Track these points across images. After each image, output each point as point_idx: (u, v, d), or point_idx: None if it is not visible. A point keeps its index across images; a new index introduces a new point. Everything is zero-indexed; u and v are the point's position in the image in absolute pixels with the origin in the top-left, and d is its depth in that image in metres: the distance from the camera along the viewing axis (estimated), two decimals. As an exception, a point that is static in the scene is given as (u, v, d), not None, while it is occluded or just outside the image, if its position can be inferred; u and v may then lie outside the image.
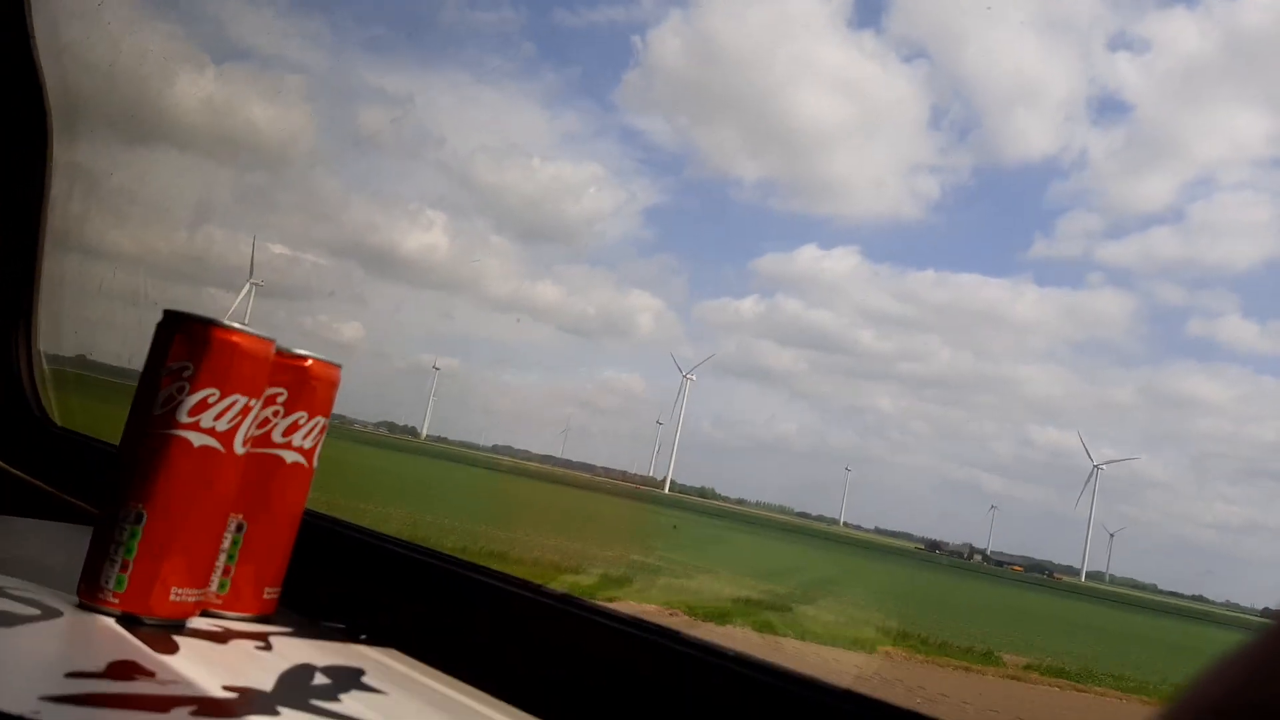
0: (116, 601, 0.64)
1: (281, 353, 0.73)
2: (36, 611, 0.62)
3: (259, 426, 0.73)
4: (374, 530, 0.89)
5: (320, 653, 0.68)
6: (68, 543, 0.67)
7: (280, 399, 0.74)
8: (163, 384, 0.67)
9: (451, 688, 0.67)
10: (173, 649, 0.61)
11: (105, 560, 0.65)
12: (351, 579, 0.84)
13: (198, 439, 0.66)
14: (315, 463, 0.77)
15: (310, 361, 0.76)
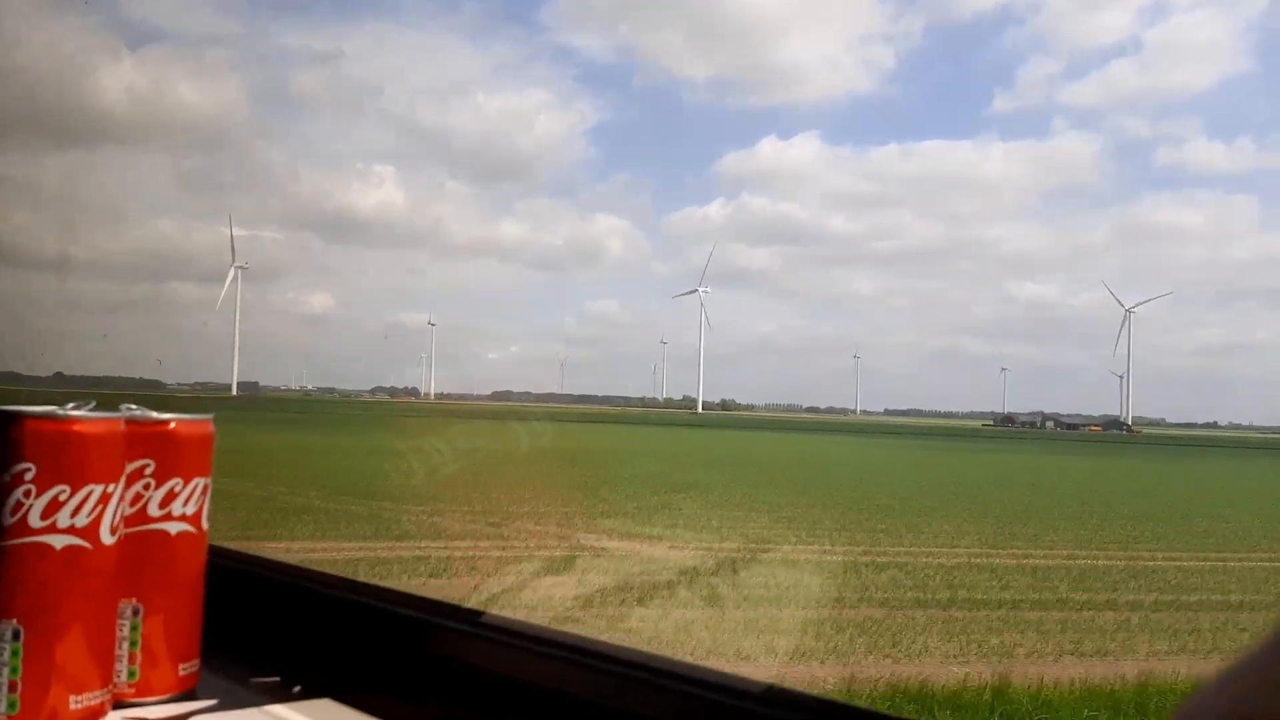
0: None
1: (137, 421, 0.68)
2: None
3: (131, 504, 0.68)
4: (296, 567, 0.86)
5: None
6: None
7: (148, 470, 0.69)
8: (9, 489, 0.62)
9: None
10: None
11: (-9, 683, 0.62)
12: (280, 624, 0.82)
13: (59, 540, 0.62)
14: (205, 524, 0.72)
15: (174, 424, 0.71)
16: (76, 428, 0.63)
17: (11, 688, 0.61)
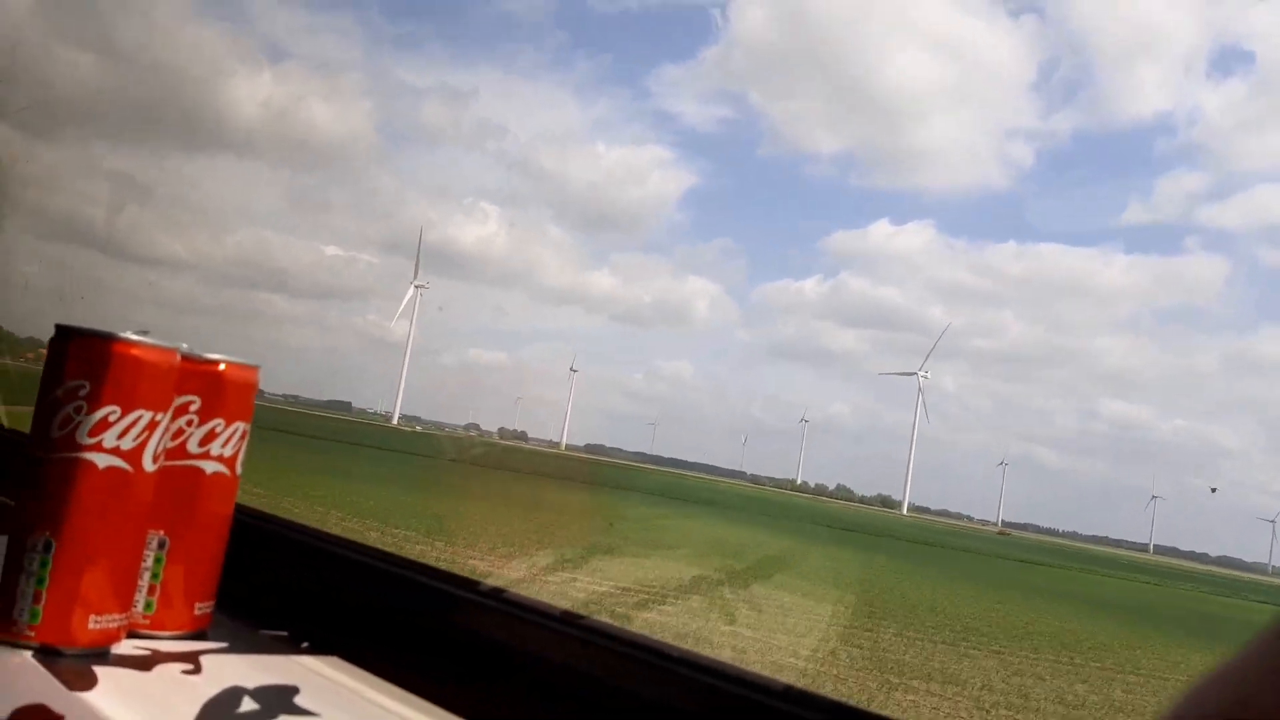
0: (32, 635, 0.62)
1: (189, 358, 0.69)
2: None
3: (173, 438, 0.69)
4: (316, 529, 0.87)
5: (254, 671, 0.65)
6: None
7: (193, 407, 0.70)
8: (60, 404, 0.63)
9: (391, 698, 0.64)
10: (90, 684, 0.59)
11: (17, 592, 0.62)
12: (293, 582, 0.82)
13: (102, 460, 0.63)
14: (239, 470, 0.73)
15: (223, 366, 0.72)
16: (134, 351, 0.64)
17: (36, 598, 0.62)
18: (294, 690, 0.62)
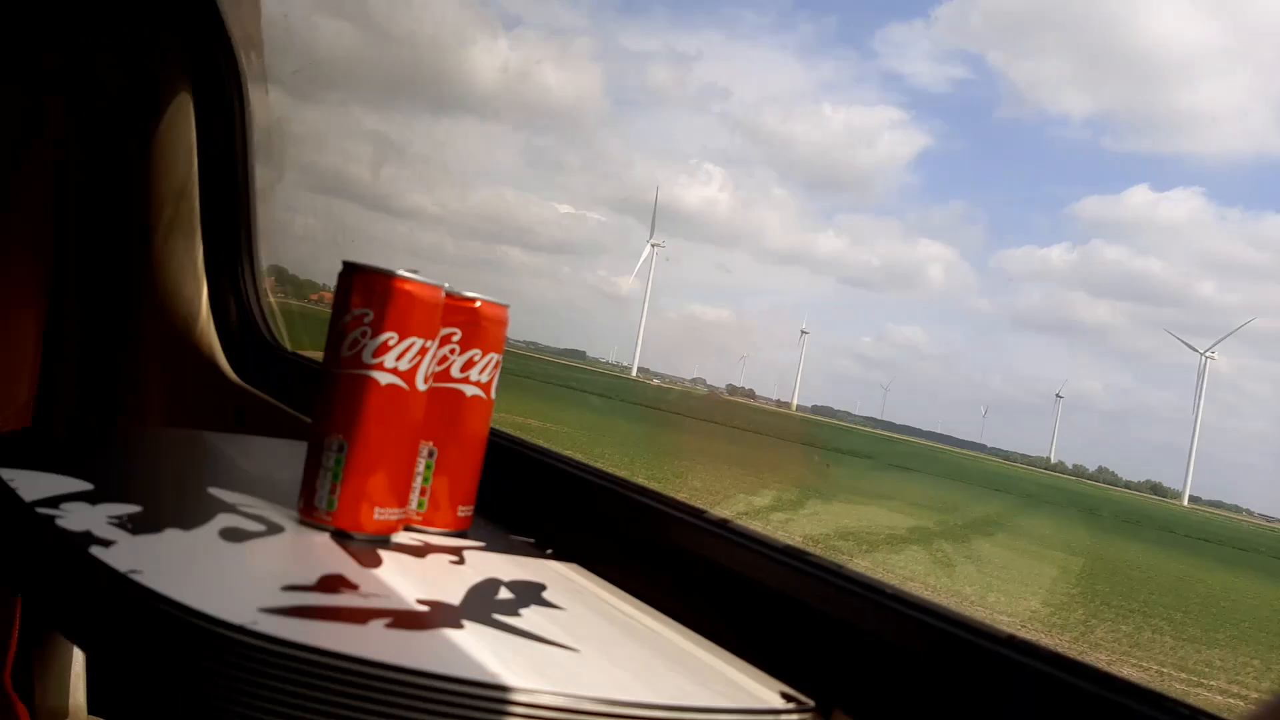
0: (329, 519, 0.73)
1: (452, 296, 0.78)
2: (262, 528, 0.72)
3: (439, 364, 0.78)
4: (560, 454, 0.94)
5: (508, 567, 0.73)
6: (298, 459, 0.76)
7: (455, 339, 0.79)
8: (348, 329, 0.73)
9: (626, 603, 0.70)
10: (377, 563, 0.69)
11: (316, 484, 0.74)
12: (538, 498, 0.90)
13: (384, 378, 0.73)
14: (493, 394, 0.82)
15: (479, 303, 0.80)
16: (408, 287, 0.73)
17: (332, 490, 0.73)
18: (542, 586, 0.70)
